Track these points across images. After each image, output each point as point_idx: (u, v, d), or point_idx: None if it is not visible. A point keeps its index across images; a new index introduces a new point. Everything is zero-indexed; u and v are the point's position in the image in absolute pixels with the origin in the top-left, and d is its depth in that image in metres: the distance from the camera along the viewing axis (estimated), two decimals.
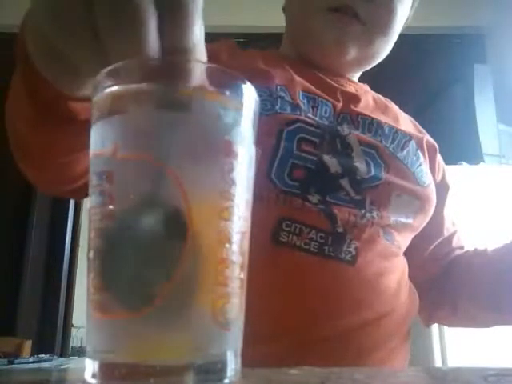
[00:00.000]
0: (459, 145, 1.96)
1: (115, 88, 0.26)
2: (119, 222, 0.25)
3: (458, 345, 1.51)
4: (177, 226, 0.24)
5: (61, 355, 2.19)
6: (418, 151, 0.71)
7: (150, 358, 0.23)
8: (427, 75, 2.40)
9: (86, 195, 0.27)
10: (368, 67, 0.76)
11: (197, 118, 0.26)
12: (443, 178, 0.78)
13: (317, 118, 0.63)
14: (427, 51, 2.53)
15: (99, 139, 0.27)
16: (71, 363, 1.85)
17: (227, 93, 0.27)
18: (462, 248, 0.76)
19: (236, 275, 0.26)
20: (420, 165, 0.69)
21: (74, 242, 2.42)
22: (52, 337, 2.23)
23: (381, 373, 0.41)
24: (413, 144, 0.70)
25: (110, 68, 0.26)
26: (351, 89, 0.72)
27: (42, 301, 2.25)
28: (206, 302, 0.25)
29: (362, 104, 0.70)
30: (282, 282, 0.55)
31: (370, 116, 0.68)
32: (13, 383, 0.30)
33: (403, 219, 0.63)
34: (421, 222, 0.67)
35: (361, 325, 0.56)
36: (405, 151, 0.68)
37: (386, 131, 0.68)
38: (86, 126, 0.42)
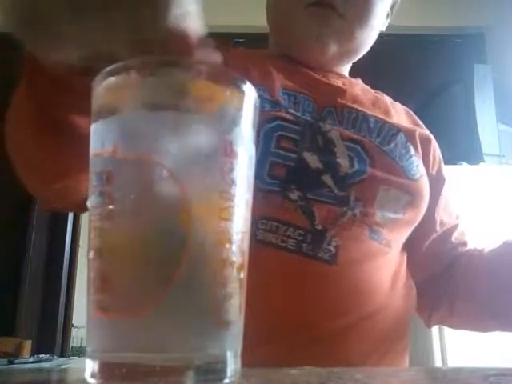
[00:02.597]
0: (459, 145, 1.96)
1: (115, 88, 0.26)
2: (119, 222, 0.25)
3: (458, 345, 1.51)
4: (177, 227, 0.24)
5: (61, 355, 2.19)
6: (408, 144, 0.69)
7: (149, 358, 0.23)
8: (427, 75, 2.40)
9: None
10: (354, 59, 0.75)
11: (197, 118, 0.26)
12: (439, 170, 0.76)
13: (298, 114, 0.62)
14: (427, 51, 2.53)
15: (99, 139, 0.27)
16: (71, 363, 1.84)
17: (227, 93, 0.27)
18: (464, 244, 0.74)
19: (236, 275, 0.26)
20: (410, 158, 0.67)
21: (74, 242, 2.42)
22: (52, 337, 2.22)
23: (381, 373, 0.41)
24: (401, 136, 0.68)
25: (109, 68, 0.26)
26: (337, 82, 0.71)
27: (42, 301, 2.25)
28: (205, 301, 0.25)
29: (348, 97, 0.69)
30: (259, 281, 0.54)
31: (355, 109, 0.67)
32: (13, 383, 0.30)
33: (391, 214, 0.62)
34: (413, 217, 0.65)
35: (347, 326, 0.55)
36: (392, 144, 0.66)
37: (372, 125, 0.66)
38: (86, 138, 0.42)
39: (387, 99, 0.76)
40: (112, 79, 0.26)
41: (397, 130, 0.68)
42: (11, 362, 1.57)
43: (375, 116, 0.68)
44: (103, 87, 0.27)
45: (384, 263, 0.61)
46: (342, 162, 0.60)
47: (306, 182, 0.58)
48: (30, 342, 1.90)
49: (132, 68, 0.27)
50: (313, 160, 0.59)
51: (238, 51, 0.73)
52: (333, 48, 0.69)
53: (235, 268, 0.26)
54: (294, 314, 0.54)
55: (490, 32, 2.63)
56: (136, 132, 0.26)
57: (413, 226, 0.66)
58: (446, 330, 1.56)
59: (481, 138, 2.05)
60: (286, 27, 0.71)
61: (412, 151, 0.68)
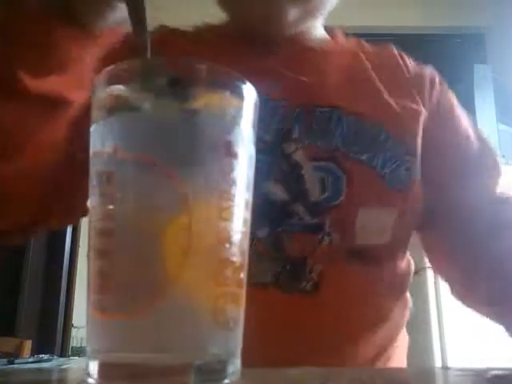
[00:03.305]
0: None
1: (115, 88, 0.26)
2: (119, 222, 0.25)
3: (458, 345, 1.51)
4: (177, 227, 0.24)
5: (61, 355, 2.18)
6: (398, 142, 0.57)
7: (149, 357, 0.23)
8: None
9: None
10: (322, 14, 0.61)
11: (197, 118, 0.26)
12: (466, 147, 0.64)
13: (260, 132, 0.55)
14: (427, 51, 2.53)
15: (99, 139, 0.27)
16: (71, 363, 1.84)
17: (227, 93, 0.27)
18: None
19: (236, 275, 0.26)
20: (397, 160, 0.56)
21: (74, 242, 2.42)
22: (52, 337, 2.22)
23: (381, 373, 0.41)
24: (385, 135, 0.56)
25: (110, 68, 0.26)
26: (308, 69, 0.58)
27: (42, 301, 2.25)
28: (206, 302, 0.25)
29: (318, 90, 0.57)
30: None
31: (328, 105, 0.56)
32: (13, 383, 0.30)
33: (376, 237, 0.55)
34: (405, 237, 0.59)
35: (340, 346, 0.52)
36: (373, 149, 0.55)
37: (346, 129, 0.55)
38: (37, 103, 0.39)
39: (372, 75, 0.61)
40: (113, 79, 0.26)
41: (379, 128, 0.56)
42: (11, 362, 1.57)
43: (351, 113, 0.56)
44: (104, 87, 0.27)
45: (373, 280, 0.56)
46: (312, 188, 0.53)
47: (274, 216, 0.52)
48: (30, 341, 1.89)
49: (133, 68, 0.27)
50: (278, 191, 0.53)
51: (187, 47, 0.60)
52: (291, 12, 0.56)
53: (235, 268, 0.26)
54: (279, 349, 0.50)
55: (490, 32, 2.63)
56: (136, 132, 0.26)
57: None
58: (446, 329, 1.56)
59: None
60: (232, 3, 0.59)
61: (403, 149, 0.57)
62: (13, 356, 1.72)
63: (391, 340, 0.59)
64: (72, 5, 0.37)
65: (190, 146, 0.25)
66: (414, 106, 0.62)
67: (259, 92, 0.57)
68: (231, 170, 0.26)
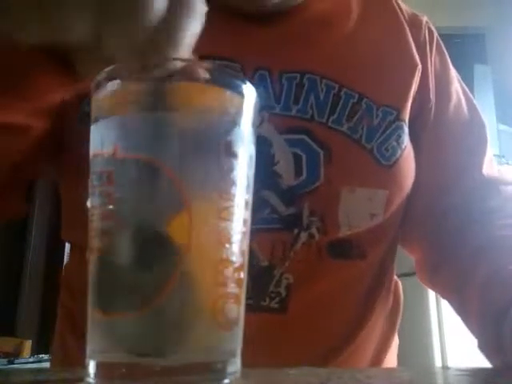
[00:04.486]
0: None
1: (115, 88, 0.26)
2: (119, 222, 0.25)
3: (458, 345, 1.51)
4: (177, 227, 0.24)
5: None
6: (381, 109, 0.49)
7: (149, 357, 0.23)
8: None
9: None
10: None
11: (197, 118, 0.26)
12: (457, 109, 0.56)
13: None
14: None
15: (99, 139, 0.27)
16: None
17: (227, 92, 0.27)
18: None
19: (236, 275, 0.26)
20: (385, 130, 0.49)
21: None
22: (52, 337, 2.22)
23: (381, 373, 0.41)
24: (367, 103, 0.49)
25: (110, 68, 0.26)
26: (283, 28, 0.52)
27: (42, 301, 2.25)
28: (205, 302, 0.25)
29: (285, 50, 0.50)
30: None
31: (298, 70, 0.48)
32: (13, 383, 0.30)
33: (363, 222, 0.48)
34: (395, 217, 0.52)
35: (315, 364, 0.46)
36: (355, 118, 0.48)
37: (322, 96, 0.48)
38: None
39: (357, 27, 0.53)
40: (112, 79, 0.26)
41: (358, 96, 0.49)
42: (11, 362, 1.58)
43: (326, 77, 0.49)
44: (103, 87, 0.27)
45: (354, 280, 0.50)
46: (284, 170, 0.46)
47: None
48: (30, 341, 1.90)
49: (132, 69, 0.27)
50: None
51: None
52: None
53: (235, 268, 0.26)
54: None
55: (490, 32, 2.64)
56: (136, 132, 0.26)
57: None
58: (446, 329, 1.56)
59: None
60: None
61: (392, 115, 0.50)
62: (13, 356, 1.72)
63: (378, 344, 0.55)
64: (71, 53, 0.32)
65: (189, 146, 0.25)
66: (409, 57, 0.54)
67: (247, 61, 0.48)
68: (231, 169, 0.26)
